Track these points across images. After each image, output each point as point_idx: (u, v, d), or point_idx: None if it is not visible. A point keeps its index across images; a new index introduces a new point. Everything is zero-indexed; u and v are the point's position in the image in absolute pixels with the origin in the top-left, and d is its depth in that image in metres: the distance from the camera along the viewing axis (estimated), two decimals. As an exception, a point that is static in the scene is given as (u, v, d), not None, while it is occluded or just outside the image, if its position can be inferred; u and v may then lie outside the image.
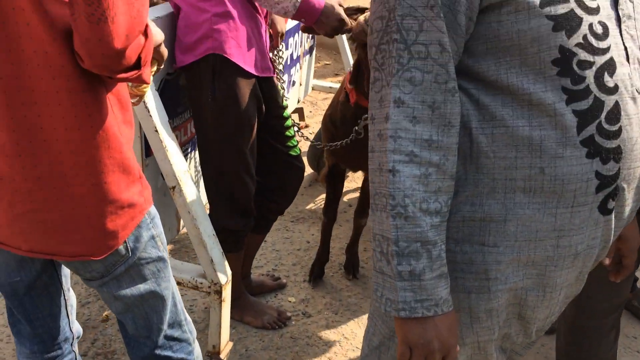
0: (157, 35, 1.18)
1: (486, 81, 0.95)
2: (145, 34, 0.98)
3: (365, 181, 2.54)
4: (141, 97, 1.26)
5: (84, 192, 1.03)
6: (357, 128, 2.12)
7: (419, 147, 0.92)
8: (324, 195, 3.36)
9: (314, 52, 3.75)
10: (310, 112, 4.43)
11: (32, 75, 0.95)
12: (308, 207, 3.18)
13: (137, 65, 0.98)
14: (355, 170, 2.73)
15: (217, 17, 1.81)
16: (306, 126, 4.15)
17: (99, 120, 1.01)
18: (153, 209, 1.18)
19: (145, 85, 1.22)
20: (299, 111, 3.95)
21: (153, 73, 1.22)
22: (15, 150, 0.99)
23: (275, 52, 2.34)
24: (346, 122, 2.19)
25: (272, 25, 2.21)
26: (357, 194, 3.32)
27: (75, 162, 1.01)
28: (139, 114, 1.72)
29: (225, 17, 1.81)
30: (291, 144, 2.17)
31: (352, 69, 2.14)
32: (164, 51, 1.23)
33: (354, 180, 3.43)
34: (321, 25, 1.91)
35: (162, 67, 1.27)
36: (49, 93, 0.96)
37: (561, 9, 0.89)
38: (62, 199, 1.03)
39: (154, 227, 1.18)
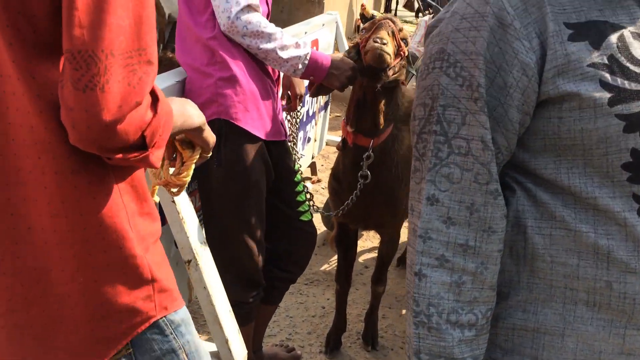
0: (194, 117, 1.04)
1: (544, 178, 0.86)
2: (155, 108, 0.85)
3: (383, 244, 2.44)
4: (182, 186, 1.13)
5: (70, 291, 0.90)
6: (362, 172, 2.01)
7: (451, 252, 0.84)
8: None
9: (329, 107, 3.72)
10: (322, 165, 4.37)
11: (18, 153, 0.85)
12: (322, 268, 3.07)
13: (142, 145, 0.85)
14: (366, 229, 2.62)
15: (222, 81, 1.77)
16: (318, 180, 4.08)
17: (90, 208, 0.88)
18: (178, 316, 1.03)
19: (185, 173, 1.10)
20: (312, 165, 3.89)
21: (195, 161, 1.11)
22: (1, 229, 0.88)
23: (294, 114, 2.28)
24: (347, 170, 2.10)
25: (290, 87, 2.17)
26: (373, 254, 3.22)
27: (61, 255, 0.89)
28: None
29: (231, 81, 1.77)
30: (302, 209, 2.09)
31: (348, 109, 2.07)
32: (209, 137, 1.09)
33: (369, 239, 3.33)
34: (333, 79, 1.89)
35: (208, 155, 1.14)
36: (34, 174, 0.85)
37: (635, 107, 0.79)
38: (44, 298, 0.90)
39: (177, 337, 1.02)
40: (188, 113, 1.03)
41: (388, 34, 1.83)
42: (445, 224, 0.84)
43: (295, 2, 6.40)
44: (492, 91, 0.82)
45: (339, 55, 1.94)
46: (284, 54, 1.78)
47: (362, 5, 7.94)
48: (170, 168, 1.12)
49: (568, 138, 0.82)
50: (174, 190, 1.15)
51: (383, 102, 1.96)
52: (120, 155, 0.83)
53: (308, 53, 1.83)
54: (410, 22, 10.20)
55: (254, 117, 1.82)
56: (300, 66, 1.82)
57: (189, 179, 1.13)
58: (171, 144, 1.12)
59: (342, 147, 2.12)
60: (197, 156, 1.11)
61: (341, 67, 1.88)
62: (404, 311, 2.76)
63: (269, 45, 1.75)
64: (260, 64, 1.84)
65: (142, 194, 0.98)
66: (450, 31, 0.85)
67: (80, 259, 0.89)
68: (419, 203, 0.88)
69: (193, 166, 1.12)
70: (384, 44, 1.79)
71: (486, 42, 0.82)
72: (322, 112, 3.54)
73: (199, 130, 1.07)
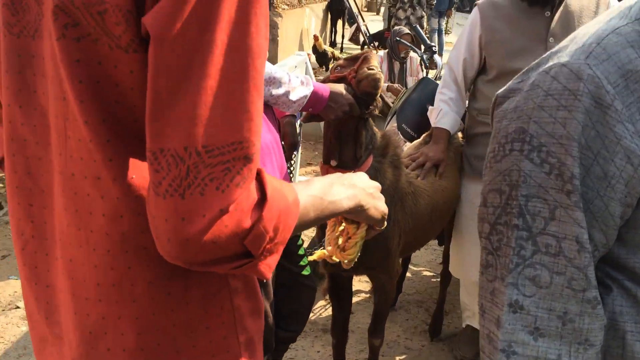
0: (342, 201, 0.85)
1: None
2: (261, 209, 0.67)
3: (375, 292, 2.35)
4: (350, 261, 1.00)
5: None
6: None
7: None
8: (322, 303, 3.15)
9: (300, 147, 3.66)
10: (292, 204, 4.28)
11: (100, 264, 0.72)
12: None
13: (247, 253, 0.68)
14: (357, 273, 2.55)
15: None
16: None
17: (185, 316, 0.75)
18: None
19: (350, 251, 0.96)
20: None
21: (362, 237, 0.97)
22: (79, 353, 0.77)
23: (288, 165, 2.20)
24: None
25: (284, 137, 2.09)
26: (357, 298, 3.13)
27: None
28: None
29: None
30: (303, 264, 2.01)
31: (326, 145, 1.98)
32: (374, 213, 0.93)
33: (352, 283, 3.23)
34: (330, 112, 1.84)
35: (382, 227, 0.98)
36: (120, 286, 0.73)
37: None
38: None
39: None
40: (331, 198, 0.84)
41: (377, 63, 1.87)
42: (532, 335, 0.74)
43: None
44: (589, 181, 0.71)
45: (338, 87, 1.88)
46: (293, 96, 1.72)
47: (315, 36, 8.00)
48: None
49: None
50: (345, 260, 1.01)
51: (363, 133, 1.92)
52: (216, 268, 0.69)
53: (312, 89, 1.78)
54: (357, 54, 10.34)
55: (269, 171, 1.73)
56: (304, 103, 1.77)
57: (354, 257, 0.98)
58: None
59: None
60: (363, 233, 0.96)
61: (340, 101, 1.83)
62: (397, 358, 2.68)
63: (280, 90, 1.69)
64: (268, 114, 1.76)
65: (254, 288, 0.84)
66: (531, 108, 0.74)
67: None
68: (493, 306, 0.78)
69: (360, 242, 0.97)
70: (379, 70, 1.82)
71: (581, 125, 0.70)
72: (295, 152, 3.47)
73: (355, 212, 0.90)
